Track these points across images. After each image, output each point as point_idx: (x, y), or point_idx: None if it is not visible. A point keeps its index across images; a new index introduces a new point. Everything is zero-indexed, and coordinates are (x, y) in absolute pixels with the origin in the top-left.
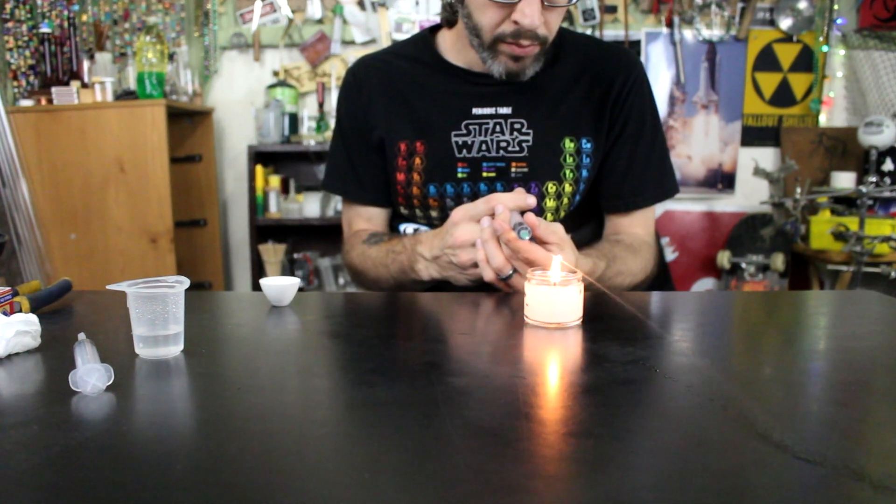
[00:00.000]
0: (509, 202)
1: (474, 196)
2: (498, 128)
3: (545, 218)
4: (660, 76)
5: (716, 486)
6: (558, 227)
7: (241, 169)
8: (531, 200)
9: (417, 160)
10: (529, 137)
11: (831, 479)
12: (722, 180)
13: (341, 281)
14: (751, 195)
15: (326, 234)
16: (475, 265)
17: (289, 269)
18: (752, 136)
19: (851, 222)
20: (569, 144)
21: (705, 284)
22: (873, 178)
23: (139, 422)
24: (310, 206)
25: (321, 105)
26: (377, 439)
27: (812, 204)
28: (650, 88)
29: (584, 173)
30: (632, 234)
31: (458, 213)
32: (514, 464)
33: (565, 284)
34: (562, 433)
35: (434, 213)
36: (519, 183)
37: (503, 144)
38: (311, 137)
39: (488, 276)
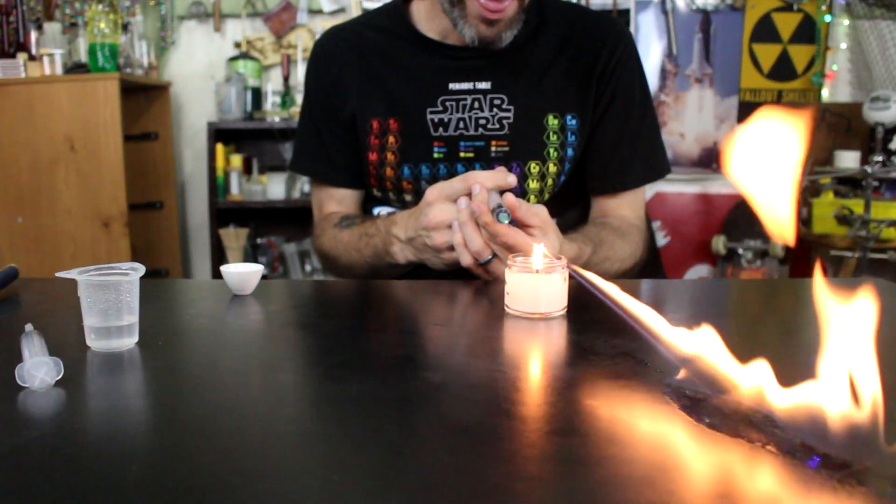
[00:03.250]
0: (488, 181)
1: (451, 178)
2: (476, 104)
3: (527, 200)
4: (650, 48)
5: (712, 488)
6: (541, 210)
7: (200, 148)
8: (511, 179)
9: (391, 139)
10: (510, 114)
11: (836, 480)
12: (717, 160)
13: (308, 268)
14: None
15: (292, 218)
16: (452, 248)
17: (251, 255)
18: (750, 112)
19: (856, 205)
20: (553, 121)
21: (699, 272)
22: (879, 158)
23: (91, 419)
24: (274, 187)
25: (286, 79)
26: (347, 438)
27: (814, 185)
28: (639, 61)
29: (570, 152)
30: (620, 216)
31: (433, 193)
32: (493, 464)
33: (549, 272)
34: (545, 431)
35: (408, 197)
36: (499, 163)
37: (482, 122)
38: (275, 114)
39: (466, 260)
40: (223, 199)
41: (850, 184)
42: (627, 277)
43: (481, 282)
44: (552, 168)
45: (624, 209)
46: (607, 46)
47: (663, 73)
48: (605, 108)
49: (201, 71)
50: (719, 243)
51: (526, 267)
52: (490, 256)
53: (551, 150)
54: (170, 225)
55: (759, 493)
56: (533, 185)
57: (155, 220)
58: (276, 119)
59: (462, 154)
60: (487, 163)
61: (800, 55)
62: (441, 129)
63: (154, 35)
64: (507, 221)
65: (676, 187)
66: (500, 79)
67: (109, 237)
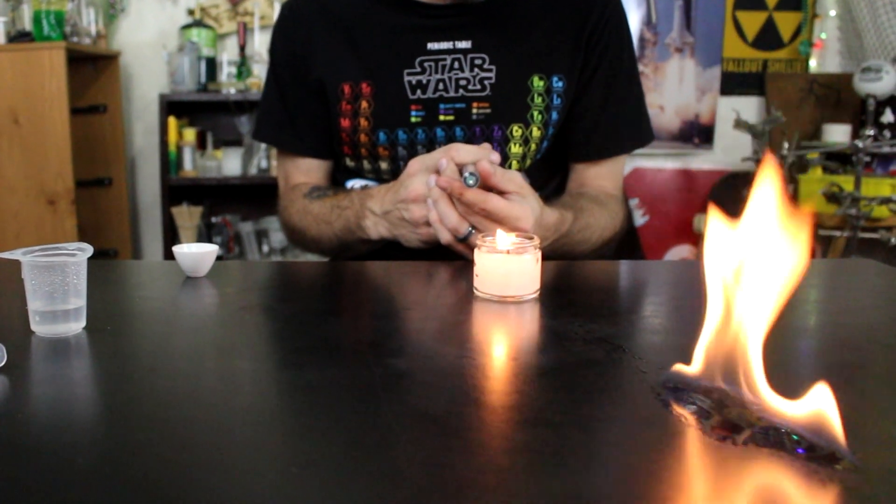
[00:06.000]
0: (468, 155)
1: (429, 143)
2: (456, 64)
3: (509, 165)
4: (628, 15)
5: (692, 481)
6: (516, 175)
7: (151, 121)
8: (495, 157)
9: (364, 104)
10: (492, 74)
11: (824, 471)
12: (699, 134)
13: (265, 248)
14: (731, 151)
15: (248, 196)
16: (428, 223)
17: (206, 234)
18: (733, 83)
19: (846, 181)
20: (538, 83)
21: (680, 252)
22: (871, 132)
23: (36, 408)
24: (230, 163)
25: (243, 48)
26: (307, 428)
27: (801, 161)
28: (628, 24)
29: (554, 116)
30: (598, 187)
31: (415, 165)
32: (462, 456)
33: (520, 252)
34: (516, 421)
35: (384, 165)
36: (481, 126)
37: (462, 83)
38: (231, 85)
39: (444, 237)
40: (175, 175)
41: (839, 159)
42: (608, 248)
43: (448, 262)
44: (536, 132)
45: (603, 179)
46: (597, 7)
47: (642, 42)
48: (591, 71)
49: (152, 40)
50: (701, 222)
51: (496, 248)
52: (468, 231)
53: (535, 113)
54: (119, 203)
55: (742, 489)
56: (515, 149)
57: (103, 198)
58: (232, 91)
59: (441, 117)
60: (468, 126)
61: (786, 23)
62: (419, 91)
63: (102, 2)
64: (473, 183)
65: (655, 163)
66: (481, 37)
67: (55, 216)
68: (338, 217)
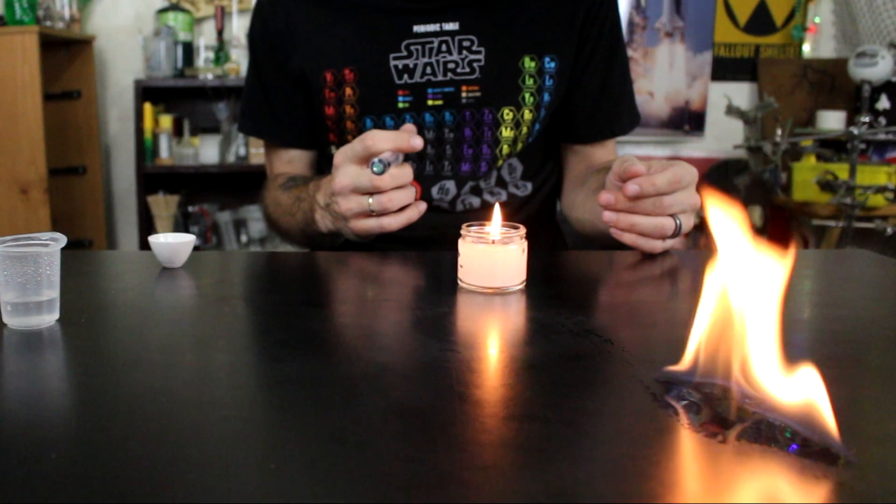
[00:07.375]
0: (385, 142)
1: (419, 129)
2: (444, 47)
3: (500, 149)
4: None
5: (681, 478)
6: (630, 157)
7: (126, 107)
8: (416, 142)
9: (348, 90)
10: (481, 56)
11: (817, 467)
12: (689, 121)
13: (244, 238)
14: (723, 138)
15: (226, 184)
16: (357, 216)
17: (182, 224)
18: (725, 68)
19: (840, 170)
20: (529, 63)
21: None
22: (866, 118)
23: (8, 403)
24: (207, 150)
25: (220, 33)
26: (286, 423)
27: (795, 148)
28: (617, 2)
29: (546, 97)
30: (610, 162)
31: (338, 157)
32: (446, 452)
33: (506, 242)
34: (501, 416)
35: None
36: (471, 110)
37: (451, 66)
38: (208, 70)
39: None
40: (151, 163)
41: (833, 147)
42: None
43: (432, 252)
44: (527, 115)
45: (611, 156)
46: None
47: (631, 27)
48: (591, 51)
49: (128, 24)
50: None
51: (481, 237)
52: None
53: (527, 96)
54: (93, 192)
55: (734, 485)
56: (506, 133)
57: (77, 187)
58: (209, 76)
59: (430, 102)
60: (458, 110)
61: (779, 6)
62: (406, 75)
63: None
64: (378, 171)
65: (645, 150)
66: (468, 19)
67: (28, 205)
68: (298, 209)
